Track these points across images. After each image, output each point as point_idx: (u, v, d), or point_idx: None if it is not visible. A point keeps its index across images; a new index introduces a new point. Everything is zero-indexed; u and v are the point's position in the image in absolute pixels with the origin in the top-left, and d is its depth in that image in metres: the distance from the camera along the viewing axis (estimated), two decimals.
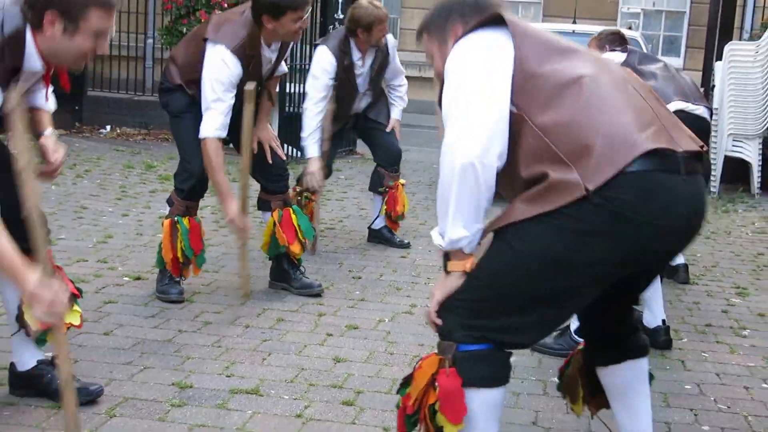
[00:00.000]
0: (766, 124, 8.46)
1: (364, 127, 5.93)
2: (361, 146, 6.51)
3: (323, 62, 5.49)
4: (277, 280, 4.75)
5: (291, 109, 9.21)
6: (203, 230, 4.52)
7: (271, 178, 4.64)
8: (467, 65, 2.32)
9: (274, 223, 4.59)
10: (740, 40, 9.94)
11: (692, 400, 3.59)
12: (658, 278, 4.19)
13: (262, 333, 4.06)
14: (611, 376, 2.62)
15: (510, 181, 2.29)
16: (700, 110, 4.64)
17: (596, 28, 6.54)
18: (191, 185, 4.42)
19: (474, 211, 2.25)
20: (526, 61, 2.28)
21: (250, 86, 4.20)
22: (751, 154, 8.50)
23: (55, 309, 2.48)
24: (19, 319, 3.09)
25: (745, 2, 10.91)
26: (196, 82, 4.31)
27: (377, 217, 5.96)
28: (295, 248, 4.62)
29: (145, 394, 3.30)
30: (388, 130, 5.85)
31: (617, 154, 2.16)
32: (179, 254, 4.38)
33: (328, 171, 5.79)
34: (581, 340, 2.78)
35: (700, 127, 4.26)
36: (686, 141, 2.32)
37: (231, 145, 4.81)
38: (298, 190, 5.56)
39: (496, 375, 2.33)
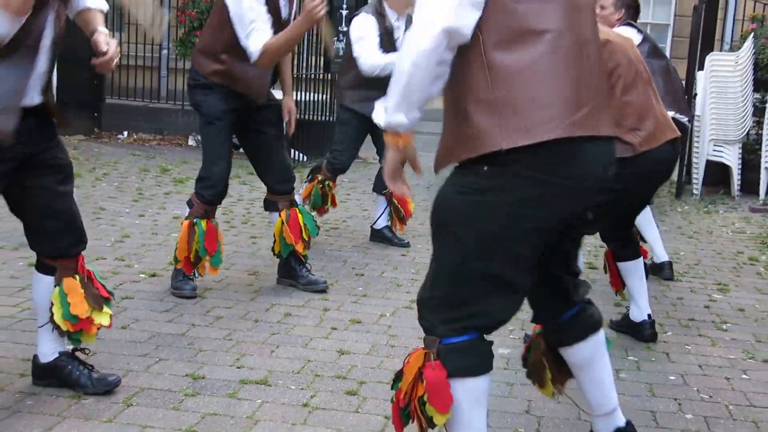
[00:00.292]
0: (744, 130, 8.46)
1: (374, 128, 5.89)
2: (363, 151, 6.47)
3: (365, 23, 5.37)
4: (285, 277, 4.74)
5: (297, 116, 9.19)
6: (220, 233, 4.50)
7: (279, 181, 4.63)
8: None
9: (282, 223, 4.59)
10: (721, 51, 9.92)
11: (676, 390, 3.58)
12: (644, 276, 4.20)
13: (270, 327, 4.06)
14: (577, 354, 2.62)
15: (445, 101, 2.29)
16: (684, 119, 4.77)
17: None
18: (212, 192, 4.39)
19: (417, 102, 2.24)
20: None
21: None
22: (731, 158, 8.49)
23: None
24: (51, 316, 3.09)
25: (725, 15, 10.90)
26: (228, 50, 4.22)
27: (379, 217, 5.95)
28: (300, 247, 4.62)
29: (160, 385, 3.30)
30: None
31: (539, 126, 2.14)
32: (192, 254, 4.37)
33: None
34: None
35: (681, 131, 4.33)
36: (608, 125, 2.30)
37: (242, 150, 4.80)
38: (320, 178, 5.56)
39: (479, 364, 2.32)
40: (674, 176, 8.68)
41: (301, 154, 9.09)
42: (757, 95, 8.75)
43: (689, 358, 3.97)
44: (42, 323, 3.15)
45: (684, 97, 4.92)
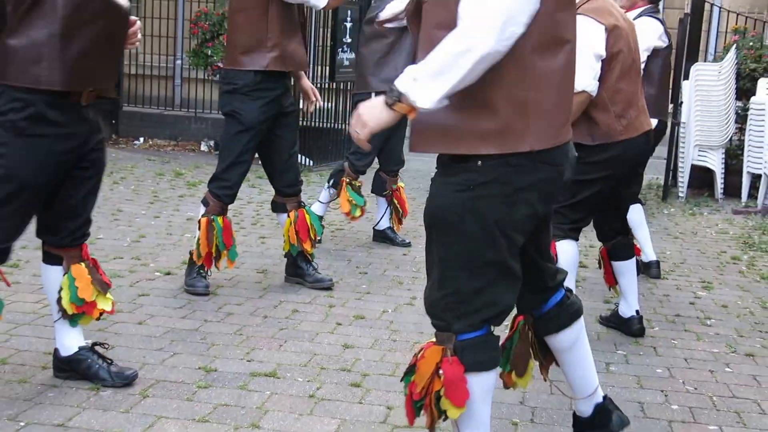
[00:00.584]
0: (727, 136, 8.45)
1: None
2: None
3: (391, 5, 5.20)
4: (293, 275, 4.74)
5: (303, 122, 9.19)
6: (233, 229, 4.51)
7: (289, 184, 4.62)
8: None
9: (290, 224, 4.59)
10: (705, 61, 9.91)
11: (663, 382, 3.58)
12: (635, 274, 4.20)
13: (278, 322, 4.06)
14: (564, 341, 2.62)
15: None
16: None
17: None
18: (228, 193, 4.41)
19: (453, 90, 2.09)
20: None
21: None
22: (714, 162, 8.48)
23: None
24: (59, 302, 3.10)
25: (710, 28, 10.89)
26: (274, 33, 4.22)
27: (381, 218, 5.95)
28: (307, 246, 4.62)
29: (174, 377, 3.30)
30: None
31: (559, 129, 2.23)
32: (213, 249, 4.37)
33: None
34: None
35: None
36: (568, 131, 2.34)
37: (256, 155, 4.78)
38: (347, 180, 5.60)
39: (492, 359, 2.32)
40: (661, 180, 8.68)
41: (307, 159, 9.14)
42: (739, 103, 8.74)
43: (675, 352, 3.97)
44: (57, 317, 3.16)
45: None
